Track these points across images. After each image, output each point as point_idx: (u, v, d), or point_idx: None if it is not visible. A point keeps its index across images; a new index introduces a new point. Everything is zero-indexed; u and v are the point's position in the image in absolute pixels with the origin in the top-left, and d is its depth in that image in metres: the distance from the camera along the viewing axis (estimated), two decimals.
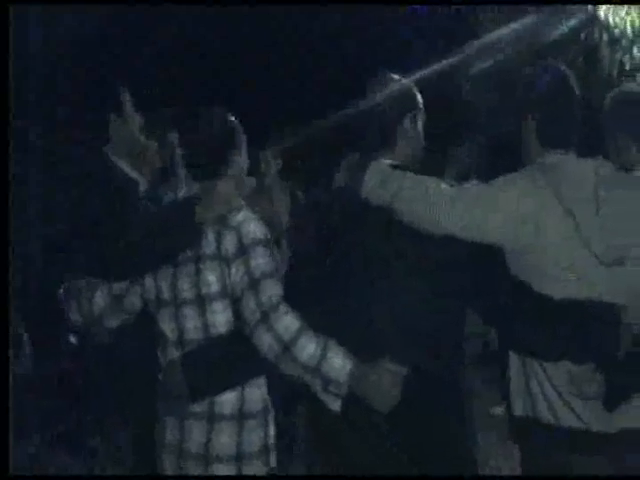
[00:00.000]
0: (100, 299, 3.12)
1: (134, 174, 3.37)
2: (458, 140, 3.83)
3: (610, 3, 8.76)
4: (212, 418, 2.85)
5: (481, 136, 3.21)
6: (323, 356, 2.71)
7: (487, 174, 2.85)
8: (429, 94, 3.15)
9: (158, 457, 2.97)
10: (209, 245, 2.86)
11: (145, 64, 10.52)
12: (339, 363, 2.70)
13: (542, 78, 2.94)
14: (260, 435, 2.88)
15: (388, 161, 2.92)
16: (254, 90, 10.53)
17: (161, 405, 2.96)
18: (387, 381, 2.66)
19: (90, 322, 3.14)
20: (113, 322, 3.15)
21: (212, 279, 2.86)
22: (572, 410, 2.81)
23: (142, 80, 10.83)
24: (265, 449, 2.89)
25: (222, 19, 10.60)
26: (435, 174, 2.87)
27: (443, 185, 2.79)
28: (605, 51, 8.88)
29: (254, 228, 2.87)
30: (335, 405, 2.74)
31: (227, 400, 2.85)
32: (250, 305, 2.79)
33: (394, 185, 2.77)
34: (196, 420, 2.87)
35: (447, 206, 2.73)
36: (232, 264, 2.83)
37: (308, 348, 2.72)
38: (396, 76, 3.07)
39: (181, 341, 2.92)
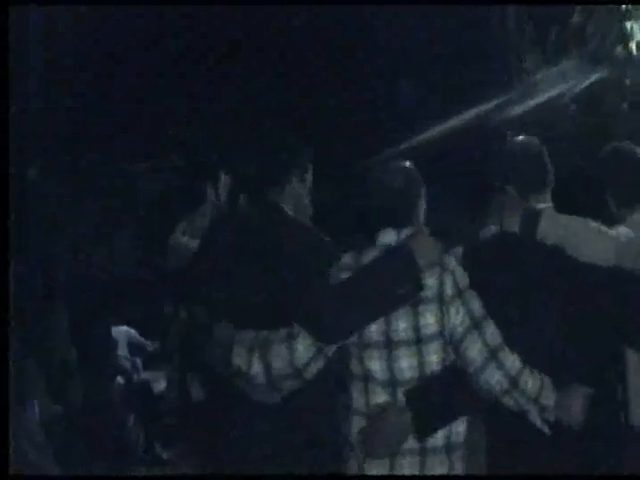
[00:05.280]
0: (302, 347, 3.00)
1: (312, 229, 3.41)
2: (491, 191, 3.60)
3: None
4: (424, 452, 3.02)
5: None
6: (542, 387, 3.09)
7: None
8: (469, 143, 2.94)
9: None
10: (428, 288, 3.02)
11: (145, 64, 10.34)
12: (550, 392, 3.11)
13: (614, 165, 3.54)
14: (463, 465, 3.12)
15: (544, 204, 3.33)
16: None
17: (365, 446, 3.03)
18: (579, 402, 3.13)
19: (284, 376, 3.01)
20: (314, 370, 3.05)
21: (432, 321, 3.03)
22: None
23: (143, 83, 10.71)
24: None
25: (221, 19, 10.29)
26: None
27: (602, 226, 3.32)
28: None
29: (464, 271, 3.08)
30: (546, 428, 3.12)
31: (438, 434, 3.05)
32: (477, 345, 3.04)
33: (568, 227, 3.23)
34: (406, 456, 3.01)
35: (611, 242, 3.25)
36: (451, 306, 3.02)
37: (530, 381, 3.08)
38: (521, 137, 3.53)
39: (393, 381, 3.03)
